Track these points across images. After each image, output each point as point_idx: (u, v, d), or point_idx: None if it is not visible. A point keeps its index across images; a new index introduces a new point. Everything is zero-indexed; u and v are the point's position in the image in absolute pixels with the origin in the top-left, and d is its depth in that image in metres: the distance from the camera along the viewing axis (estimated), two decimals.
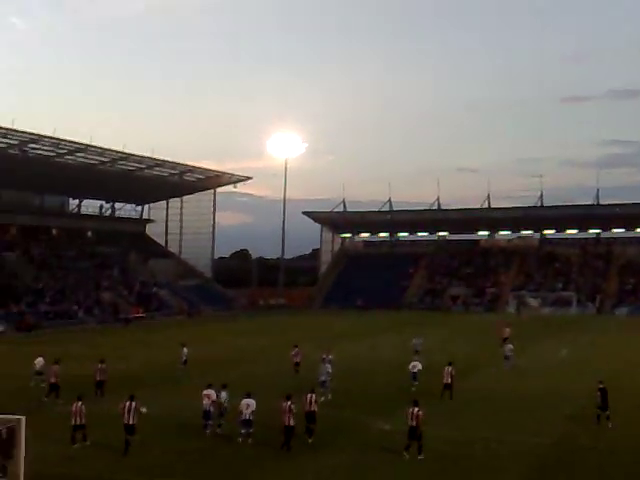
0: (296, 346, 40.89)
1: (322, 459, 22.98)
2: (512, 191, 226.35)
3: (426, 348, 44.55)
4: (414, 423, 22.90)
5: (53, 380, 32.12)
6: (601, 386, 27.68)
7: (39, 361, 36.52)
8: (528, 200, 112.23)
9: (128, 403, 23.73)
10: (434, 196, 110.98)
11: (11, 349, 55.72)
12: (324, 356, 34.96)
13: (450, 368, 32.75)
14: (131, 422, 23.41)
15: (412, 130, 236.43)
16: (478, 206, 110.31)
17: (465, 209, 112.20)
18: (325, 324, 76.64)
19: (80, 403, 24.56)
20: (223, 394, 26.35)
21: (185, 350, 40.91)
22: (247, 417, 24.61)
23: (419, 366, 35.24)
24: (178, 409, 30.06)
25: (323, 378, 32.43)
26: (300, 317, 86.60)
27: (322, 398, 29.51)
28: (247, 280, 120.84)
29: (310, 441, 24.39)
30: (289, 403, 23.78)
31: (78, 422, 24.22)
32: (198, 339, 59.29)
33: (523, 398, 33.07)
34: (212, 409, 25.92)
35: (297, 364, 39.51)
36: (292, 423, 23.60)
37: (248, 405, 24.75)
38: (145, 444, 23.95)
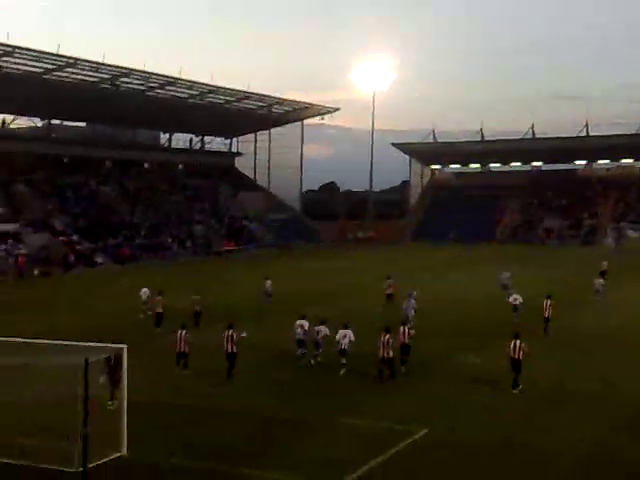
0: (389, 278, 40.48)
1: (416, 391, 22.71)
2: (612, 118, 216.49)
3: (519, 282, 43.00)
4: (517, 356, 22.34)
5: (159, 310, 32.94)
6: None
7: (144, 292, 37.46)
8: (629, 128, 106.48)
9: (227, 332, 24.13)
10: (528, 125, 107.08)
11: (111, 280, 57.33)
12: (410, 292, 34.34)
13: (549, 301, 31.71)
14: (230, 350, 23.88)
15: (505, 57, 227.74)
16: (575, 134, 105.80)
17: (561, 138, 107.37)
18: (415, 258, 75.77)
19: (184, 332, 25.07)
20: (322, 328, 26.00)
21: (269, 283, 40.83)
22: (343, 347, 24.74)
23: (520, 299, 34.40)
24: (271, 341, 30.04)
25: (407, 313, 31.85)
26: (390, 251, 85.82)
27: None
28: (335, 213, 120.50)
29: (403, 370, 24.37)
30: (387, 336, 23.59)
31: (182, 350, 24.78)
32: (288, 272, 59.61)
33: (616, 337, 31.42)
34: (305, 338, 26.19)
35: (389, 296, 39.20)
36: (390, 355, 23.52)
37: (345, 335, 24.82)
38: (240, 373, 24.19)
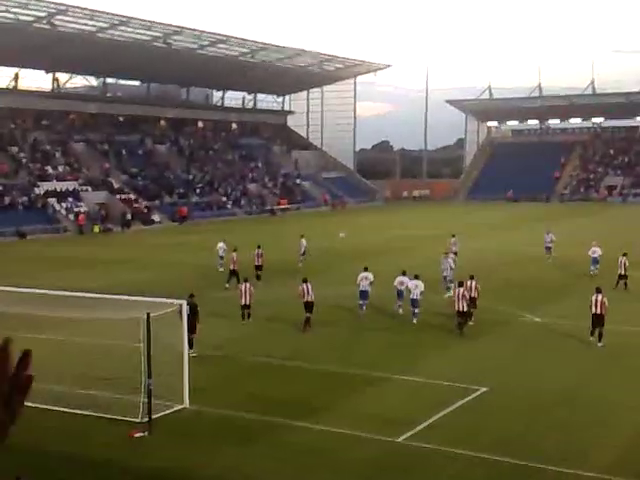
0: (453, 236, 40.00)
1: (476, 349, 22.52)
2: None
3: (579, 241, 42.10)
4: (598, 311, 22.25)
5: (232, 267, 33.24)
6: None
7: (221, 246, 38.05)
8: None
9: (303, 285, 25.19)
10: (587, 80, 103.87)
11: (170, 238, 58.13)
12: (448, 251, 34.06)
13: (624, 259, 31.40)
14: (309, 299, 24.94)
15: (564, 10, 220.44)
16: (637, 90, 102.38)
17: (622, 93, 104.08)
18: (473, 216, 74.73)
19: (248, 284, 26.15)
20: (418, 283, 26.13)
21: (304, 241, 40.37)
22: (415, 297, 25.69)
23: (599, 251, 34.85)
24: (330, 295, 30.04)
25: (445, 273, 31.24)
26: (445, 209, 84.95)
27: (447, 294, 28.99)
28: (389, 172, 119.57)
29: (471, 323, 24.59)
30: (462, 289, 24.11)
31: (246, 302, 25.63)
32: (343, 230, 59.51)
33: None
34: (369, 289, 27.17)
35: (454, 254, 38.81)
36: (465, 308, 23.90)
37: (416, 286, 25.81)
38: (299, 330, 24.57)
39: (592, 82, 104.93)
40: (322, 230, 60.71)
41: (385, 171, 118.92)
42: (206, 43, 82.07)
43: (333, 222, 70.85)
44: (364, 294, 27.28)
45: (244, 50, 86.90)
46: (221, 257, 37.53)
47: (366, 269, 27.99)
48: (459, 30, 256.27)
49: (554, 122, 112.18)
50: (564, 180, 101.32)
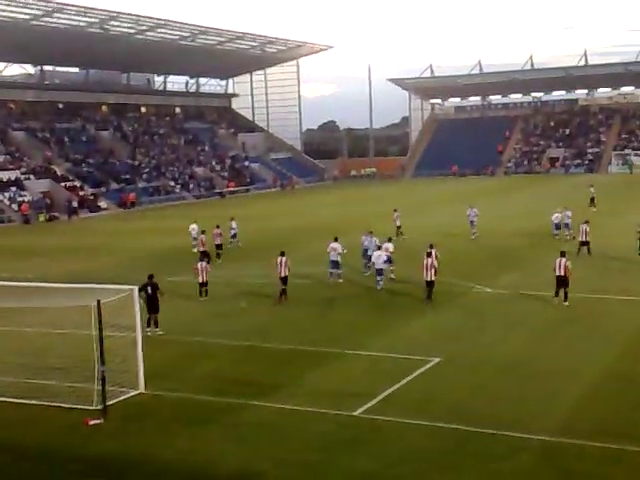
0: (395, 210, 41.06)
1: (428, 321, 22.95)
2: (610, 47, 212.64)
3: (526, 212, 43.11)
4: (562, 273, 23.52)
5: (202, 248, 33.83)
6: None
7: (193, 228, 38.89)
8: (627, 56, 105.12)
9: (280, 258, 26.27)
10: (527, 56, 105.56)
11: (119, 225, 57.39)
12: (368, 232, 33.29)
13: (585, 226, 32.63)
14: (283, 274, 26.13)
15: None
16: (575, 64, 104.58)
17: (560, 67, 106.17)
18: (420, 192, 75.60)
19: (204, 263, 27.06)
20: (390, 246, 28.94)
21: (234, 224, 40.03)
22: (381, 266, 27.43)
23: (560, 217, 37.39)
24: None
25: (370, 252, 30.14)
26: (394, 186, 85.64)
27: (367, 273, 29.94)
28: (337, 151, 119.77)
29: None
30: (430, 259, 25.01)
31: (204, 280, 26.58)
32: (294, 210, 59.70)
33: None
34: (339, 260, 28.76)
35: (398, 227, 39.79)
36: (432, 277, 24.88)
37: (380, 256, 27.65)
38: (254, 309, 25.07)
39: (531, 58, 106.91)
40: (273, 211, 60.78)
41: (332, 150, 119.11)
42: (144, 28, 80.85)
43: (282, 203, 71.01)
44: (334, 264, 28.79)
45: (184, 34, 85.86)
46: (194, 238, 38.14)
47: (336, 239, 29.36)
48: (400, 10, 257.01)
49: (495, 98, 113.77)
50: (508, 154, 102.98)
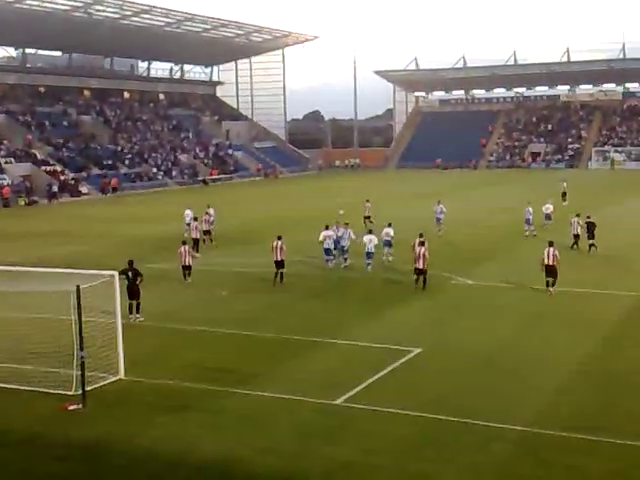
0: (367, 201, 41.87)
1: (411, 312, 23.05)
2: (593, 44, 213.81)
3: (507, 206, 43.42)
4: (550, 262, 24.14)
5: (195, 235, 33.61)
6: (589, 220, 32.48)
7: (187, 214, 38.61)
8: (610, 53, 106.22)
9: (276, 242, 26.96)
10: (510, 52, 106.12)
11: (100, 210, 56.99)
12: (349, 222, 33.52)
13: (578, 219, 32.94)
14: (279, 258, 26.82)
15: None
16: (557, 60, 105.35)
17: (543, 63, 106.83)
18: (402, 184, 75.76)
19: (187, 247, 27.55)
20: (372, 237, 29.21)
21: (189, 212, 39.25)
22: (370, 250, 28.77)
23: (552, 208, 39.31)
24: (262, 263, 30.18)
25: (343, 243, 30.46)
26: (377, 177, 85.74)
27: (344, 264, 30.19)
28: (321, 141, 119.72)
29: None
30: (422, 249, 25.38)
31: (187, 263, 27.12)
32: (277, 199, 59.64)
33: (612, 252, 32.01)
34: (332, 247, 29.37)
35: (367, 217, 40.55)
36: (424, 266, 25.24)
37: (371, 240, 28.84)
38: (235, 298, 25.04)
39: (514, 53, 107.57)
40: (256, 199, 60.69)
41: (317, 141, 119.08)
42: (129, 13, 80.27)
43: (266, 191, 70.89)
44: (328, 251, 29.40)
45: (169, 20, 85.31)
46: (188, 224, 37.78)
47: (327, 228, 29.84)
48: (387, 2, 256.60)
49: (479, 92, 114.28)
50: (490, 148, 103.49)
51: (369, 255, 28.76)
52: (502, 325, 21.17)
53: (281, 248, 26.80)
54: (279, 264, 26.80)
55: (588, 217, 32.74)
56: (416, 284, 25.36)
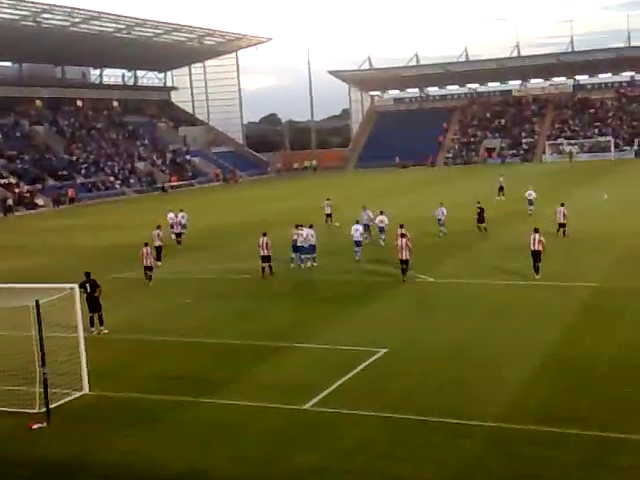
0: (328, 199, 42.73)
1: (373, 313, 23.05)
2: (541, 38, 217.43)
3: (464, 201, 43.89)
4: (536, 247, 25.35)
5: (158, 243, 32.77)
6: (479, 206, 36.68)
7: (171, 217, 39.88)
8: (559, 47, 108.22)
9: (262, 239, 28.58)
10: (461, 48, 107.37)
11: (57, 221, 56.06)
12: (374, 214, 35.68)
13: (563, 208, 33.80)
14: (265, 253, 28.42)
15: None
16: (507, 55, 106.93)
17: (494, 59, 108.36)
18: (362, 183, 75.98)
19: (148, 248, 28.48)
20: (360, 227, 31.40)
21: (184, 214, 40.48)
22: (358, 239, 30.79)
23: (534, 194, 42.47)
24: (223, 269, 30.11)
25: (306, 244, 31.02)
26: (336, 178, 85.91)
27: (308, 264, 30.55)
28: (279, 144, 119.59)
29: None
30: (405, 240, 26.42)
31: (149, 264, 28.12)
32: (237, 204, 59.40)
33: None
34: (305, 244, 29.94)
35: (329, 215, 41.72)
36: (407, 257, 26.22)
37: (357, 229, 31.07)
38: (198, 305, 24.55)
39: (465, 50, 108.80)
40: (217, 205, 60.36)
41: (274, 143, 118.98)
42: (78, 20, 79.40)
43: (226, 197, 70.59)
44: (301, 249, 29.95)
45: (119, 26, 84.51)
46: (171, 226, 38.80)
47: (298, 226, 30.48)
48: (338, 1, 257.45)
49: (433, 89, 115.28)
50: (447, 144, 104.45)
51: (357, 244, 30.72)
52: (466, 321, 21.31)
53: (267, 244, 28.36)
54: (266, 259, 28.37)
55: (562, 204, 34.29)
56: (403, 274, 26.28)
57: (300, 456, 13.00)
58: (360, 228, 31.43)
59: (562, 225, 33.63)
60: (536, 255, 25.48)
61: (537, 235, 25.62)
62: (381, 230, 33.92)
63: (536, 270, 25.31)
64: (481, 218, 36.62)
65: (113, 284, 27.22)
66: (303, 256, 30.06)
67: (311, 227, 30.82)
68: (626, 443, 12.80)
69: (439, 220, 36.92)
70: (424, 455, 12.81)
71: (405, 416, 14.37)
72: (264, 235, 28.80)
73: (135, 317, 23.72)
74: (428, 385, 16.18)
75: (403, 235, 26.79)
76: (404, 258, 26.17)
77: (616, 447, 12.70)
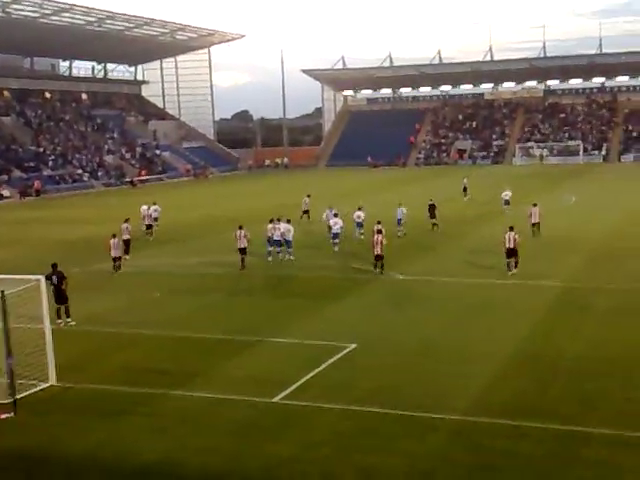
0: (309, 196, 43.30)
1: (344, 308, 23.15)
2: (514, 43, 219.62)
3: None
4: (511, 245, 26.21)
5: (127, 237, 32.33)
6: (430, 202, 38.10)
7: (155, 209, 40.39)
8: (531, 52, 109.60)
9: (239, 231, 29.23)
10: (435, 50, 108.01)
11: (23, 213, 55.33)
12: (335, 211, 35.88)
13: (536, 209, 34.43)
14: (242, 245, 29.05)
15: None
16: (480, 59, 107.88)
17: (467, 62, 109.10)
18: (334, 182, 76.12)
19: (117, 239, 28.98)
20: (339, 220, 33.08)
21: (156, 207, 40.88)
22: (337, 231, 32.56)
23: (510, 194, 43.85)
24: (194, 263, 30.06)
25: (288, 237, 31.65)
26: (307, 176, 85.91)
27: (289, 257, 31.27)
28: (250, 141, 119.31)
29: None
30: (380, 236, 27.26)
31: (117, 255, 28.72)
32: (208, 200, 59.12)
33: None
34: (281, 239, 30.79)
35: (306, 212, 42.00)
36: (381, 252, 26.97)
37: (336, 223, 32.80)
38: (168, 299, 24.33)
39: (439, 52, 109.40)
40: (187, 200, 60.04)
41: (246, 140, 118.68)
42: (49, 12, 78.40)
43: (196, 192, 70.21)
44: (278, 242, 30.70)
45: (90, 19, 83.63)
46: (155, 219, 39.84)
47: (274, 220, 31.14)
48: (313, 1, 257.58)
49: (406, 90, 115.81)
50: (418, 145, 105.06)
51: (335, 236, 32.40)
52: (435, 317, 21.52)
53: (245, 236, 29.01)
54: (242, 251, 29.05)
55: (534, 204, 34.81)
56: (375, 269, 27.07)
57: (270, 447, 13.07)
58: (340, 222, 32.79)
59: (536, 224, 34.18)
60: (511, 253, 26.22)
61: (512, 233, 26.42)
62: (359, 225, 35.22)
63: (509, 266, 26.14)
64: (432, 214, 37.68)
65: (80, 276, 27.02)
66: (280, 250, 30.63)
67: (289, 222, 31.36)
68: (589, 437, 13.07)
69: (399, 220, 36.93)
70: (391, 447, 12.95)
71: (373, 409, 14.50)
72: (240, 228, 29.36)
73: (103, 310, 23.54)
74: (396, 379, 16.32)
75: (379, 231, 27.68)
76: (379, 253, 26.91)
77: (579, 440, 12.95)
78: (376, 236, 27.41)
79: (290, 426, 13.96)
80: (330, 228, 33.89)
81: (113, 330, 21.00)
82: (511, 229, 26.75)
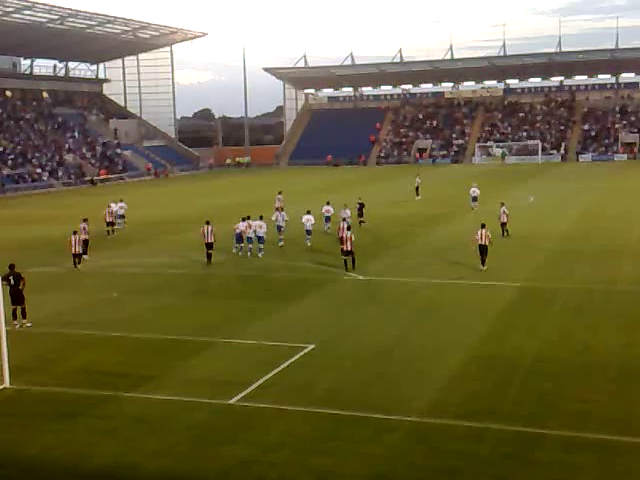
0: (280, 193, 44.05)
1: (301, 309, 23.22)
2: (475, 42, 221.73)
3: (391, 201, 44.45)
4: (484, 242, 26.87)
5: (84, 237, 31.78)
6: (360, 201, 39.21)
7: (122, 206, 41.40)
8: (491, 50, 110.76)
9: (206, 227, 29.99)
10: (396, 49, 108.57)
11: None
12: (279, 207, 37.81)
13: (504, 208, 34.58)
14: (209, 240, 29.77)
15: None
16: (441, 57, 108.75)
17: (428, 61, 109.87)
18: (295, 181, 76.02)
19: (77, 236, 29.43)
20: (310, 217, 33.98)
21: (122, 204, 42.08)
22: (309, 228, 33.57)
23: (478, 191, 44.84)
24: (152, 264, 29.74)
25: (279, 223, 34.53)
26: (268, 175, 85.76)
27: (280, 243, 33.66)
28: (212, 139, 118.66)
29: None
30: (349, 232, 27.87)
31: (77, 251, 29.06)
32: (168, 199, 58.70)
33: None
34: (252, 235, 31.44)
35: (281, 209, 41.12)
36: (350, 248, 27.68)
37: (309, 219, 33.69)
38: (124, 299, 24.07)
39: (400, 51, 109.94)
40: (147, 199, 59.52)
41: (207, 139, 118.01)
42: (10, 10, 77.05)
43: (157, 191, 69.62)
44: (250, 240, 31.23)
45: (52, 17, 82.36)
46: (122, 216, 40.90)
47: (261, 217, 32.05)
48: (276, 2, 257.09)
49: (367, 89, 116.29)
50: (380, 144, 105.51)
51: (308, 232, 33.53)
52: (394, 318, 21.58)
53: (211, 231, 29.65)
54: (209, 246, 29.63)
55: (502, 203, 35.04)
56: (345, 265, 27.67)
57: (226, 450, 13.01)
58: (311, 218, 33.80)
59: (503, 224, 34.23)
60: (483, 249, 26.96)
61: (484, 230, 27.02)
62: (327, 219, 36.89)
63: (483, 262, 26.95)
64: (361, 213, 38.72)
65: (38, 277, 26.65)
66: (252, 246, 31.18)
67: (261, 218, 31.98)
68: (546, 438, 13.16)
69: (344, 220, 36.75)
70: (349, 449, 12.95)
71: (330, 411, 14.50)
72: (207, 223, 30.06)
73: (60, 311, 23.25)
74: (354, 381, 16.34)
75: (348, 228, 28.42)
76: (348, 249, 27.59)
77: (536, 442, 13.04)
78: (344, 233, 28.03)
79: (247, 428, 13.92)
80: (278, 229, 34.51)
81: (70, 331, 20.75)
82: (483, 226, 27.33)
